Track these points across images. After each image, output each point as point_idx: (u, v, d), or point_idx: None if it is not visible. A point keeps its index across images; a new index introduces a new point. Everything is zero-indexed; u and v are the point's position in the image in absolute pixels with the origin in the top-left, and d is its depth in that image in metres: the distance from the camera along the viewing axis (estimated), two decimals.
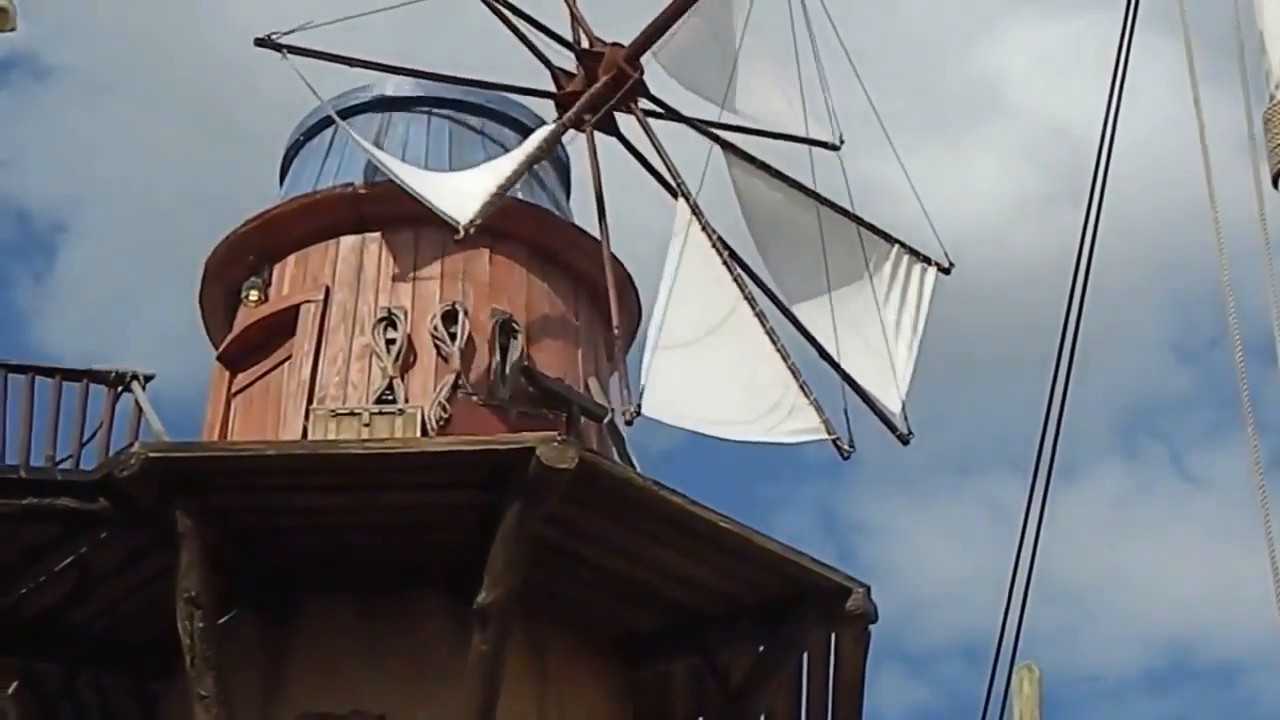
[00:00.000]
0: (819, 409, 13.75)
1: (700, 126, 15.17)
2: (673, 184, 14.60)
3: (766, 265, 14.89)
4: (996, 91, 32.18)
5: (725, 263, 14.20)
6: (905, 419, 14.53)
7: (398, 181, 13.51)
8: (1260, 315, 7.58)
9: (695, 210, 14.35)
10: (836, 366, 14.57)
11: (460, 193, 13.27)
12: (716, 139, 15.14)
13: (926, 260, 15.37)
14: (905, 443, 14.54)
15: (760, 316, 14.05)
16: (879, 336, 14.77)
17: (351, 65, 14.95)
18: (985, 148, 32.13)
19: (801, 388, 13.80)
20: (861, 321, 14.84)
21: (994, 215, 30.94)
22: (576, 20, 15.13)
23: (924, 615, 32.12)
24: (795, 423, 13.66)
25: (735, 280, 14.13)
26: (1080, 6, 29.75)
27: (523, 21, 14.97)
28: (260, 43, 14.49)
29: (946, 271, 15.42)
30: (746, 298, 14.09)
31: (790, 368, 13.85)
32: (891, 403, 14.54)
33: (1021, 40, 32.43)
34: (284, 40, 14.52)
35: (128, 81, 33.68)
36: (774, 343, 13.94)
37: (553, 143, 14.14)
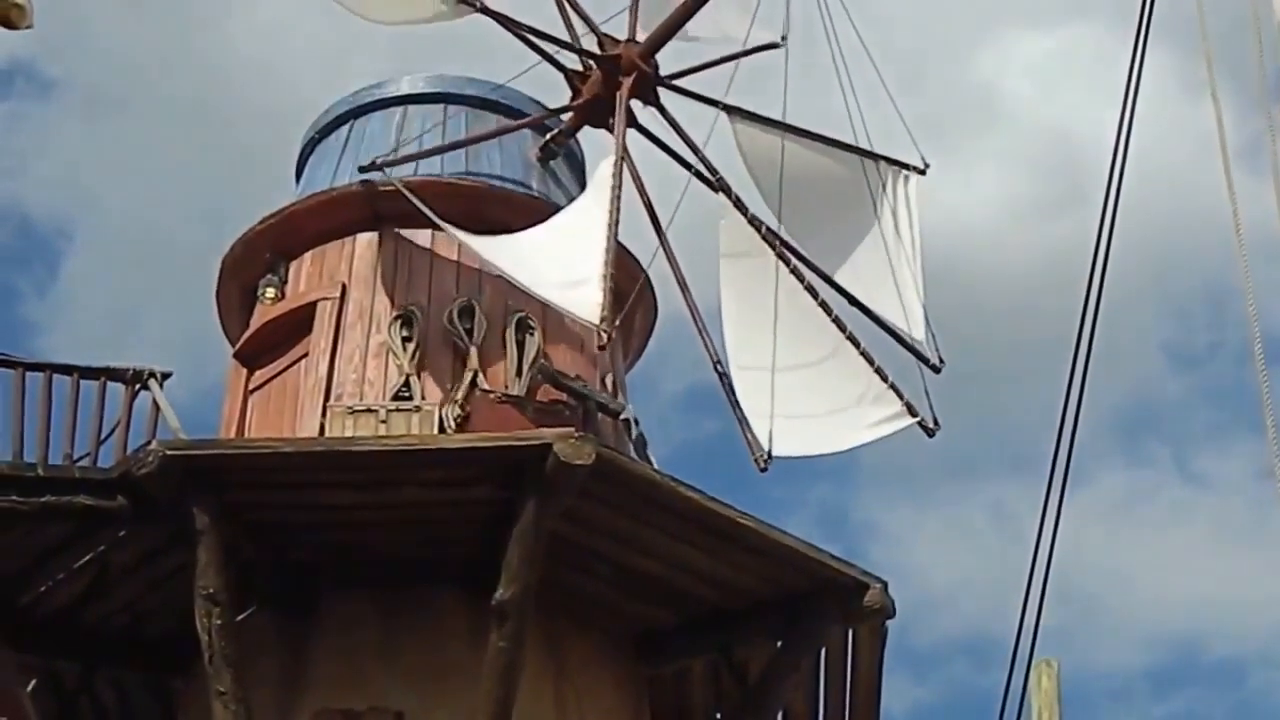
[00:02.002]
0: (898, 392, 13.80)
1: (704, 97, 15.08)
2: (709, 177, 14.56)
3: (781, 222, 14.79)
4: (994, 99, 32.19)
5: (780, 254, 14.17)
6: (935, 345, 14.55)
7: (519, 284, 12.96)
8: (1265, 315, 7.59)
9: (738, 204, 14.32)
10: (886, 327, 14.49)
11: (572, 280, 12.79)
12: (719, 104, 15.04)
13: (905, 167, 15.37)
14: (937, 371, 14.49)
15: (824, 306, 14.04)
16: (887, 263, 14.71)
17: (424, 157, 14.61)
18: (983, 154, 32.17)
19: (878, 372, 13.85)
20: (872, 253, 14.81)
21: (993, 220, 31.04)
22: (586, 21, 15.05)
23: (926, 616, 32.16)
24: (881, 411, 13.75)
25: (793, 272, 14.11)
26: (1077, 13, 29.80)
27: (530, 33, 14.88)
28: (365, 170, 14.10)
29: (923, 173, 15.39)
30: (807, 288, 14.08)
31: (863, 353, 13.88)
32: (916, 328, 14.52)
33: (1018, 48, 32.46)
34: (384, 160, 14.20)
35: (130, 93, 33.79)
36: (843, 330, 13.96)
37: (619, 173, 13.91)
